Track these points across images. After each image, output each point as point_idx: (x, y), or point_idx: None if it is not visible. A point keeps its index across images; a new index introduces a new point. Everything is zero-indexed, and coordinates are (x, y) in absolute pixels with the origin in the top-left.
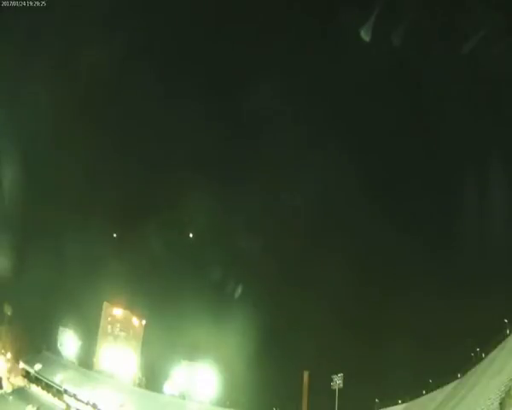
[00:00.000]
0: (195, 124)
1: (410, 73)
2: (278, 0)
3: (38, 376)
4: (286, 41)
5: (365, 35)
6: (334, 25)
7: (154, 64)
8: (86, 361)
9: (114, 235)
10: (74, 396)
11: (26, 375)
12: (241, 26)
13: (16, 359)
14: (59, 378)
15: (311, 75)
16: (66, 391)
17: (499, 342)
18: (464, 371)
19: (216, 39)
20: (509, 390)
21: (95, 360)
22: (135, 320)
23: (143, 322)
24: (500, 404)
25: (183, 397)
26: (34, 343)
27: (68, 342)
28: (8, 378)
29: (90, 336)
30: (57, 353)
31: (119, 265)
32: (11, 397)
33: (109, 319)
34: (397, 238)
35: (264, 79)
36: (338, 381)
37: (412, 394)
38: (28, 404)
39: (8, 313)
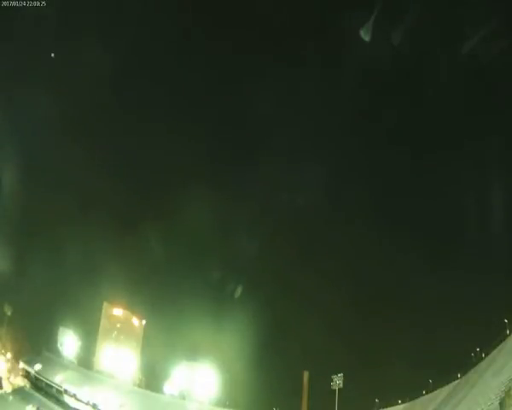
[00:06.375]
0: (194, 126)
1: (410, 73)
2: (277, 3)
3: (38, 376)
4: (285, 42)
5: (365, 35)
6: (333, 26)
7: (153, 67)
8: (86, 361)
9: None
10: (74, 396)
11: (26, 375)
12: (241, 26)
13: (16, 359)
14: (59, 378)
15: (311, 77)
16: (66, 391)
17: (499, 342)
18: (464, 371)
19: (213, 42)
20: (509, 390)
21: (95, 360)
22: (135, 320)
23: (143, 322)
24: (500, 404)
25: (183, 397)
26: (34, 343)
27: (68, 342)
28: (8, 378)
29: (90, 336)
30: (57, 353)
31: (119, 265)
32: (11, 397)
33: (109, 319)
34: (396, 243)
35: (264, 80)
36: (338, 381)
37: (412, 394)
38: (28, 404)
39: (8, 313)
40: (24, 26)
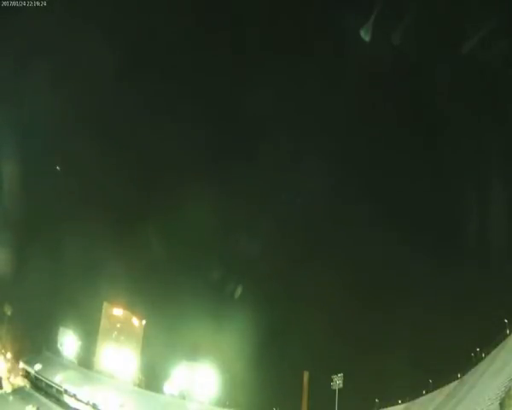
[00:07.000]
0: (194, 125)
1: (410, 73)
2: (277, 3)
3: (38, 376)
4: (286, 41)
5: (365, 35)
6: (333, 26)
7: (153, 65)
8: (86, 361)
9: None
10: (74, 396)
11: (26, 375)
12: (242, 25)
13: (16, 359)
14: (59, 378)
15: (312, 76)
16: (66, 391)
17: (499, 342)
18: (464, 372)
19: (214, 39)
20: (508, 390)
21: (95, 359)
22: (135, 320)
23: (143, 322)
24: (500, 404)
25: (183, 397)
26: (34, 343)
27: (68, 342)
28: (8, 378)
29: (90, 336)
30: (57, 353)
31: (118, 265)
32: (11, 397)
33: (109, 319)
34: (396, 243)
35: (265, 79)
36: (338, 381)
37: (412, 394)
38: (28, 404)
39: (8, 313)
40: (24, 26)
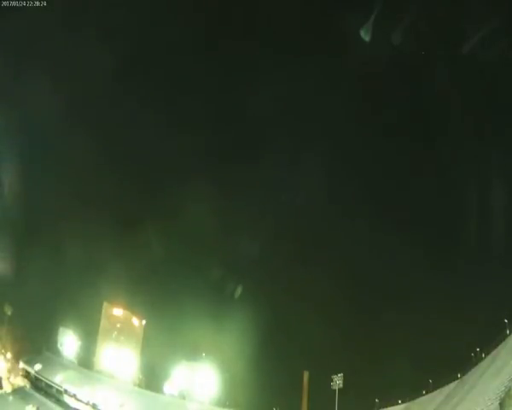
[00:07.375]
0: (194, 126)
1: (410, 73)
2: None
3: (38, 376)
4: (286, 42)
5: (365, 35)
6: (333, 25)
7: (153, 66)
8: (86, 361)
9: None
10: (74, 396)
11: (26, 375)
12: (242, 25)
13: (16, 359)
14: (59, 378)
15: (311, 76)
16: (66, 391)
17: (499, 342)
18: (464, 372)
19: (214, 40)
20: (508, 390)
21: (95, 360)
22: (135, 320)
23: (143, 322)
24: (500, 404)
25: (183, 397)
26: (34, 343)
27: (68, 342)
28: (8, 378)
29: (90, 336)
30: (57, 353)
31: (118, 265)
32: (11, 397)
33: (109, 319)
34: (396, 243)
35: (264, 80)
36: (338, 381)
37: (412, 394)
38: (28, 404)
39: (8, 313)
40: (24, 26)
